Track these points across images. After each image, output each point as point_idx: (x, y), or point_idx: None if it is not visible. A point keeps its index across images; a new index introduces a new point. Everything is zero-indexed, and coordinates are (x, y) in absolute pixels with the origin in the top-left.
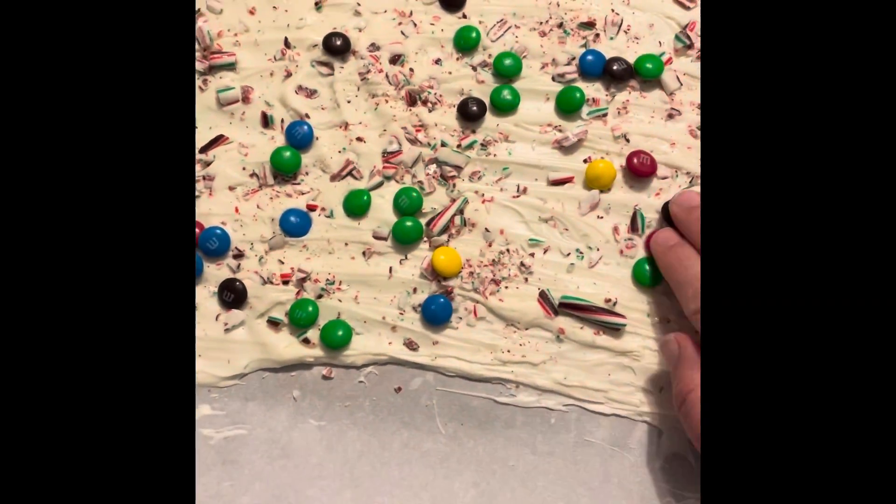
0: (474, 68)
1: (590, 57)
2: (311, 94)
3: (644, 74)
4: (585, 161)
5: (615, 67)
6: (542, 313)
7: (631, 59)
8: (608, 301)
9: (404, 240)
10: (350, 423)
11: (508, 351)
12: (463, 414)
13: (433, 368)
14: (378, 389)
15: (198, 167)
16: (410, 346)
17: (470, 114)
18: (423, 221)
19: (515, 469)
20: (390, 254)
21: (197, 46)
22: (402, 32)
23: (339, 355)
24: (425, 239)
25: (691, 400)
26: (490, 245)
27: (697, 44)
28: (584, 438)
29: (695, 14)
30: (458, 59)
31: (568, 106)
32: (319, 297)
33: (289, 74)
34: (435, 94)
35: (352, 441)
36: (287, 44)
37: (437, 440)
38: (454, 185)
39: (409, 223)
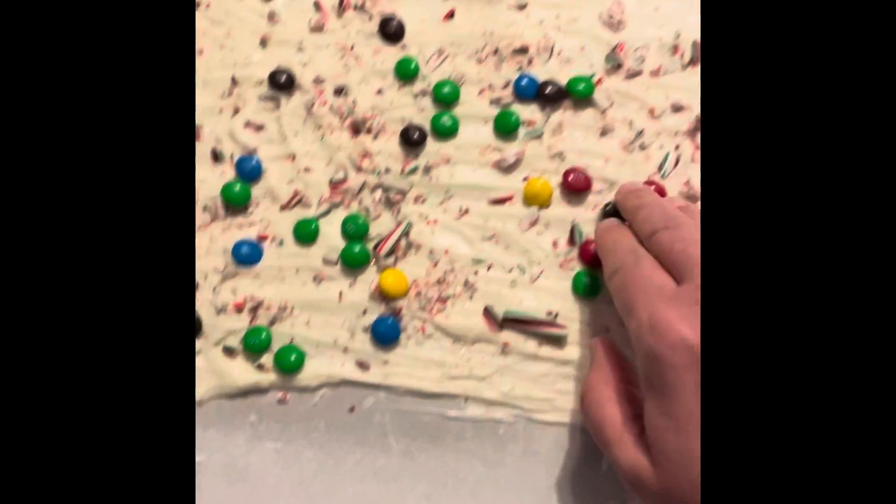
0: (415, 97)
1: (524, 81)
2: (259, 128)
3: (576, 95)
4: (524, 180)
5: (548, 90)
6: (486, 328)
7: (563, 81)
8: (549, 313)
9: (353, 264)
10: (306, 443)
11: (456, 366)
12: (415, 430)
13: (384, 387)
14: (332, 410)
15: None
16: (362, 366)
17: (412, 140)
18: (370, 246)
19: (466, 481)
20: (340, 278)
21: None
22: (345, 65)
23: (294, 379)
24: (373, 262)
25: (587, 400)
26: (435, 265)
27: (627, 63)
28: (531, 448)
29: (623, 35)
30: (399, 88)
31: (505, 128)
32: (272, 323)
33: (237, 111)
34: (378, 122)
35: (307, 461)
36: (234, 81)
37: (390, 456)
38: (399, 210)
39: (356, 248)
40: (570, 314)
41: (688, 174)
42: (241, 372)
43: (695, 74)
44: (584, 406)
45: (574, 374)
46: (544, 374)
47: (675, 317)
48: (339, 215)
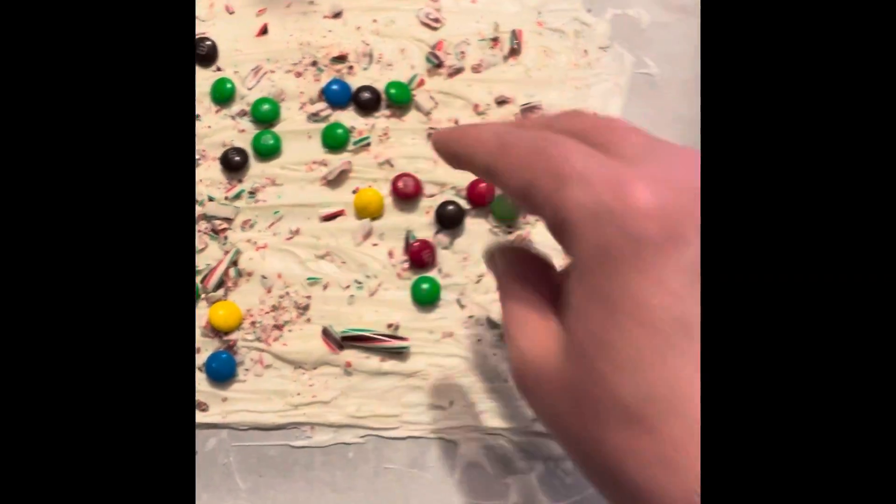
0: (233, 118)
1: (335, 87)
2: None
3: (393, 100)
4: (354, 192)
5: (363, 97)
6: (326, 350)
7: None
8: (390, 326)
9: None
10: None
11: (299, 394)
12: (261, 465)
13: (226, 426)
14: None
15: None
16: (200, 407)
17: (233, 164)
18: (198, 279)
19: None
20: None
21: None
22: None
23: None
24: (202, 297)
25: (511, 333)
26: (269, 291)
27: (447, 61)
28: (383, 466)
29: (441, 34)
30: (216, 111)
31: (333, 142)
32: None
33: None
34: (198, 150)
35: None
36: None
37: (237, 497)
38: (226, 238)
39: None
40: (412, 324)
41: None
42: None
43: (517, 65)
44: (511, 342)
45: (421, 385)
46: (390, 390)
47: (634, 177)
48: None
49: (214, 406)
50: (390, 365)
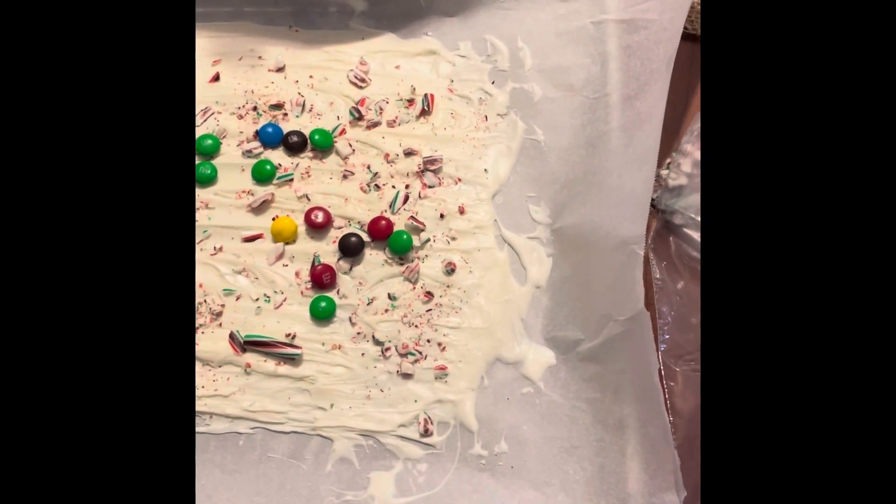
0: None
1: (269, 129)
2: None
3: (316, 144)
4: (273, 219)
5: (292, 139)
6: (231, 352)
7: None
8: (288, 335)
9: None
10: None
11: (203, 387)
12: None
13: None
14: None
15: None
16: None
17: None
18: None
19: (204, 487)
20: None
21: None
22: None
23: None
24: None
25: None
26: None
27: (367, 115)
28: (266, 455)
29: (366, 92)
30: None
31: (261, 176)
32: None
33: None
34: None
35: None
36: None
37: None
38: None
39: None
40: (307, 335)
41: (415, 209)
42: None
43: (426, 124)
44: None
45: (308, 388)
46: (281, 390)
47: None
48: None
49: None
50: (284, 369)
